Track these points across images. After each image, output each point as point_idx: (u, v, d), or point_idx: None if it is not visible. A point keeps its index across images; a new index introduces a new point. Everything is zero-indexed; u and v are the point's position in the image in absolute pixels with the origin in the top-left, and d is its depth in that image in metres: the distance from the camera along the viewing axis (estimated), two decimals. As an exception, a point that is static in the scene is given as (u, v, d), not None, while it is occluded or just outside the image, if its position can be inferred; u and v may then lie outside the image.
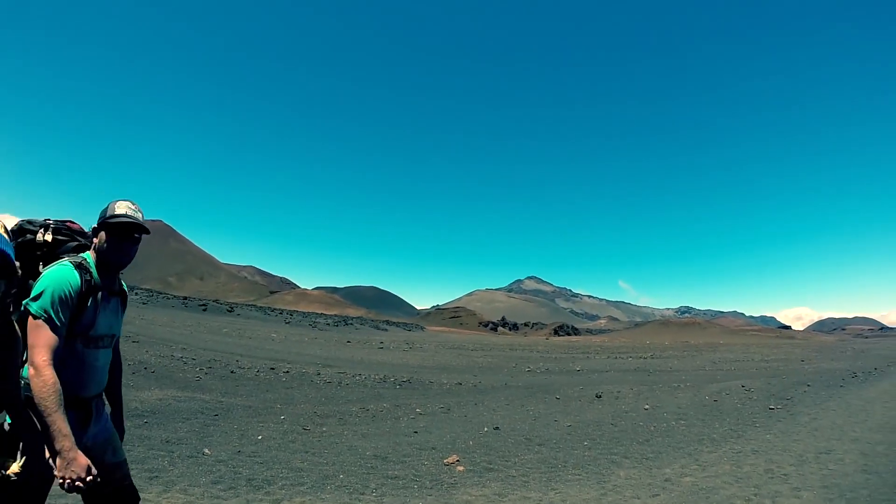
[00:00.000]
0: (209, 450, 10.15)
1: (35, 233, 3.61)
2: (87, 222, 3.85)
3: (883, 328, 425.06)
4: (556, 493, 8.76)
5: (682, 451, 12.05)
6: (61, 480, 2.91)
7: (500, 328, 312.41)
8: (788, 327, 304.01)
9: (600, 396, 20.29)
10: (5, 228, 3.11)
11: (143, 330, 40.33)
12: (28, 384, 3.03)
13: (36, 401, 2.94)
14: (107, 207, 3.70)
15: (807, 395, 21.78)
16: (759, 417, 16.50)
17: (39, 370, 3.01)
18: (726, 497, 8.64)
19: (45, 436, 2.91)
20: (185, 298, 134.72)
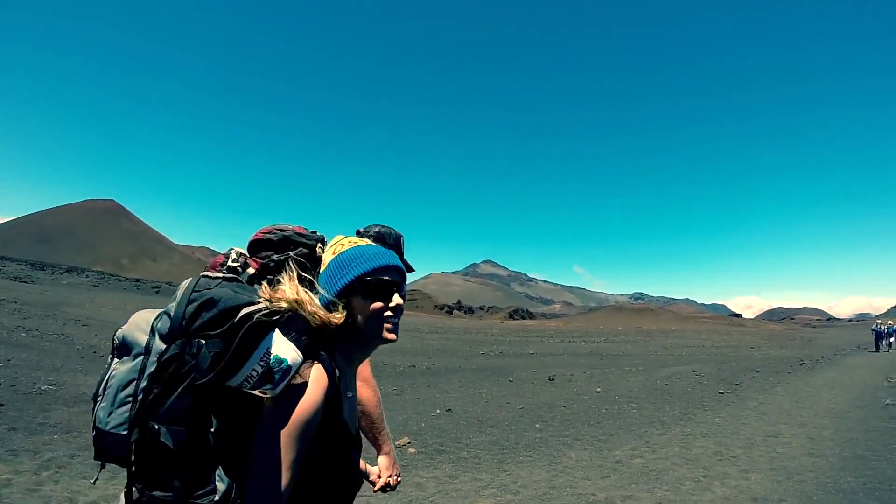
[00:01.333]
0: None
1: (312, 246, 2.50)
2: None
3: (830, 318, 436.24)
4: (507, 475, 8.73)
5: (632, 433, 12.15)
6: None
7: (455, 311, 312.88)
8: (739, 315, 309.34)
9: (553, 379, 20.42)
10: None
11: (93, 313, 39.65)
12: None
13: None
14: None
15: (755, 380, 22.22)
16: (709, 402, 16.76)
17: None
18: (676, 478, 8.70)
19: None
20: (138, 281, 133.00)
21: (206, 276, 2.17)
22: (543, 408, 15.16)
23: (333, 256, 2.33)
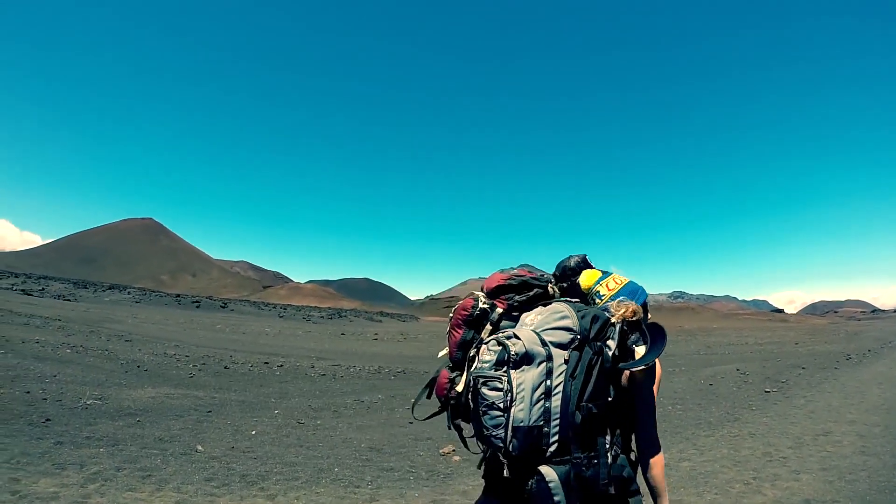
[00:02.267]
0: (202, 446, 10.07)
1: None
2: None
3: (875, 311, 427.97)
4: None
5: (679, 435, 12.03)
6: None
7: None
8: (781, 311, 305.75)
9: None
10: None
11: (135, 329, 40.28)
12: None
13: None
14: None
15: (802, 377, 21.83)
16: (756, 401, 16.51)
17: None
18: (725, 481, 8.60)
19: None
20: (178, 296, 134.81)
21: (567, 301, 3.29)
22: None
23: (620, 285, 3.55)
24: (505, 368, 2.79)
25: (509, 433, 2.71)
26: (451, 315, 3.61)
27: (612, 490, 2.84)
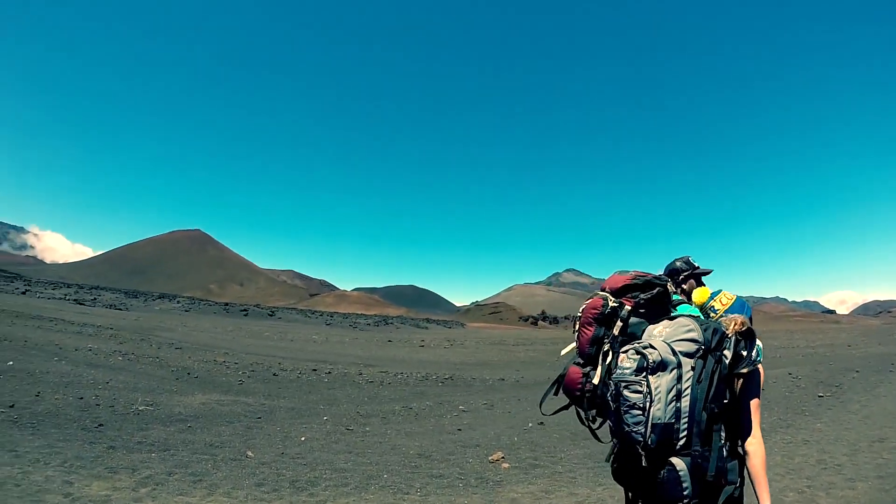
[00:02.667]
0: (252, 452, 10.22)
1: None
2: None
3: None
4: (604, 489, 8.65)
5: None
6: None
7: (540, 322, 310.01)
8: (833, 312, 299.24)
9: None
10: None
11: (185, 337, 40.92)
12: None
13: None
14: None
15: (856, 381, 21.28)
16: (809, 406, 16.15)
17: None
18: (779, 489, 8.46)
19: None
20: (226, 305, 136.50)
21: (691, 316, 3.78)
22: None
23: (731, 301, 4.29)
24: (644, 374, 3.40)
25: (648, 429, 3.32)
26: (577, 315, 4.11)
27: (720, 480, 3.44)
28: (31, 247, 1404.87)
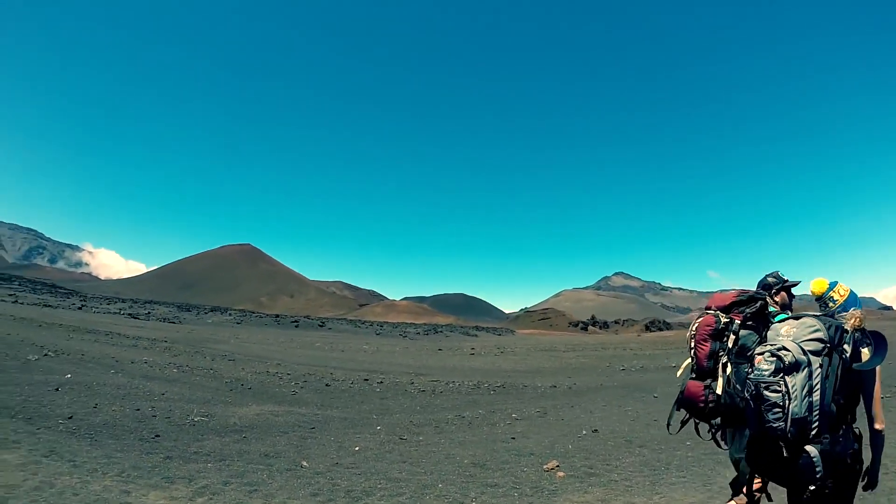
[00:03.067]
0: (307, 462, 10.24)
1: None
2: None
3: None
4: (661, 497, 8.43)
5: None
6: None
7: (590, 327, 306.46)
8: (890, 308, 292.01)
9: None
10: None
11: (237, 348, 41.46)
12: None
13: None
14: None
15: None
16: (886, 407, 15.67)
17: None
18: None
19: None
20: (278, 316, 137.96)
21: (815, 315, 4.27)
22: (692, 424, 14.46)
23: (847, 293, 4.91)
24: (781, 375, 3.97)
25: (788, 424, 3.91)
26: (692, 332, 4.91)
27: (846, 460, 4.16)
28: (86, 264, 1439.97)
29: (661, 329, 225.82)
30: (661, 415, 16.12)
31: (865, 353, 4.17)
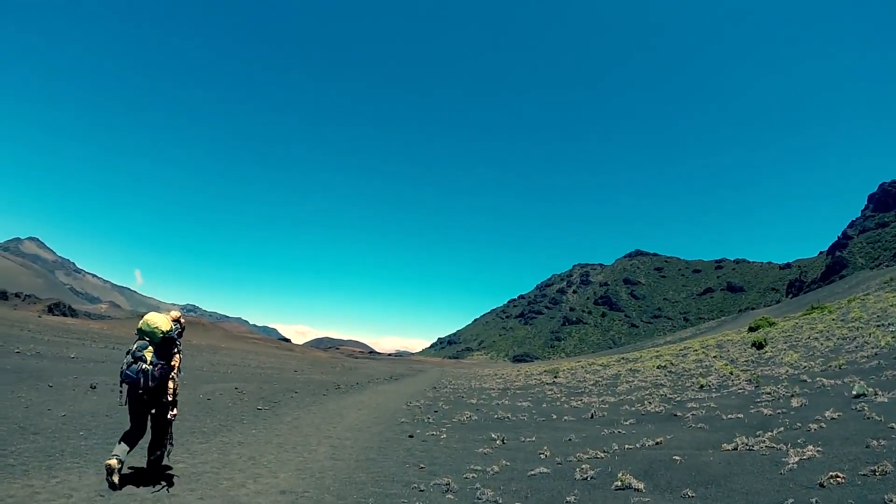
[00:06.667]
0: None
1: None
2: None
3: (372, 352, 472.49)
4: (59, 481, 8.98)
5: (175, 441, 12.94)
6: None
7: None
8: (289, 340, 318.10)
9: (95, 387, 19.78)
10: None
11: None
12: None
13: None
14: None
15: (293, 399, 24.56)
16: (248, 416, 18.59)
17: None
18: (214, 479, 10.09)
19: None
20: None
21: None
22: (87, 416, 15.09)
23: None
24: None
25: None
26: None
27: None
28: None
29: (64, 314, 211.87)
30: (55, 405, 16.13)
31: None
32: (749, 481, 8.98)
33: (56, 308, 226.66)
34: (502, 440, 15.43)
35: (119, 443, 8.89)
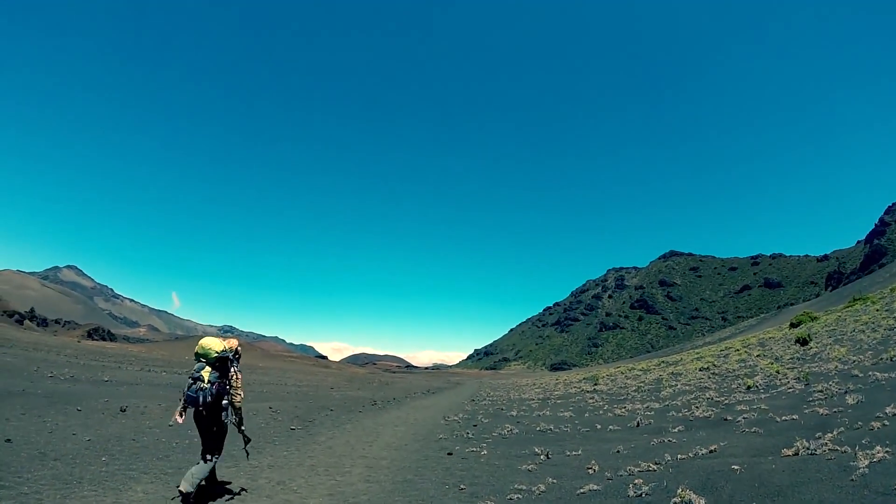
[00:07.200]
0: None
1: None
2: None
3: (409, 366, 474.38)
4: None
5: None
6: None
7: (26, 321, 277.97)
8: (325, 357, 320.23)
9: (125, 410, 19.66)
10: None
11: None
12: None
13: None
14: None
15: (328, 418, 23.97)
16: (280, 436, 18.12)
17: None
18: None
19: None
20: None
21: None
22: (112, 440, 14.73)
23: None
24: None
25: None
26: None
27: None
28: None
29: (103, 339, 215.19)
30: (82, 428, 15.86)
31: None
32: (819, 491, 7.91)
33: (95, 333, 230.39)
34: (546, 455, 14.47)
35: (196, 464, 9.73)
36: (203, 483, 9.87)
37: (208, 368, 9.71)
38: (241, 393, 10.21)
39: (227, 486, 10.75)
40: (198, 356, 9.86)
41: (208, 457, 9.75)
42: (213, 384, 9.58)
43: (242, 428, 10.39)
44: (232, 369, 10.07)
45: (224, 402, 9.81)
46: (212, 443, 9.84)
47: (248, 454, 12.01)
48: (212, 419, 9.77)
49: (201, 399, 9.42)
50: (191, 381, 9.61)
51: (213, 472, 10.17)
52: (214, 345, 9.87)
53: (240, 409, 10.16)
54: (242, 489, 10.69)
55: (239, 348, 10.69)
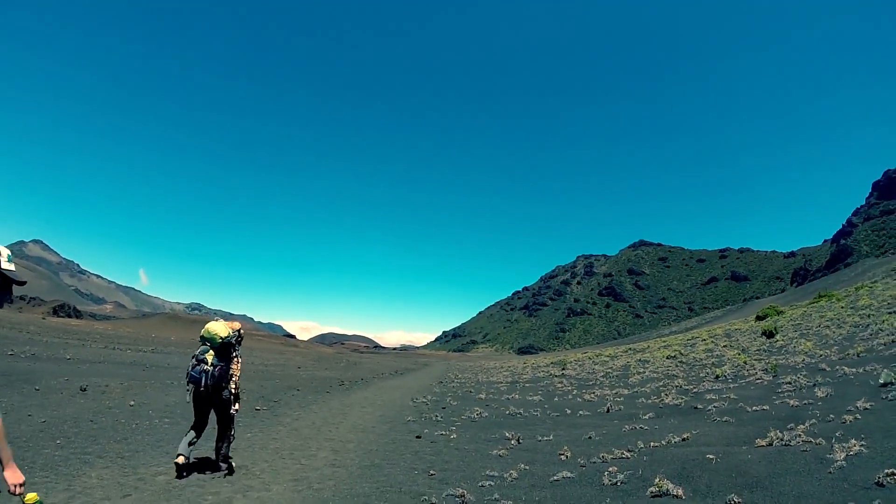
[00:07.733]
0: None
1: None
2: None
3: (377, 346, 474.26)
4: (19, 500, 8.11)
5: (161, 449, 12.03)
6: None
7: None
8: (293, 336, 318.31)
9: (85, 390, 18.98)
10: None
11: None
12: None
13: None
14: None
15: (294, 398, 23.56)
16: (244, 418, 17.32)
17: None
18: (198, 494, 8.94)
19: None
20: None
21: None
22: (68, 421, 14.11)
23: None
24: None
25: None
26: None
27: None
28: None
29: (69, 315, 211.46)
30: (38, 409, 15.26)
31: None
32: (797, 482, 7.78)
33: (61, 310, 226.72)
34: (517, 440, 14.15)
35: (184, 435, 10.34)
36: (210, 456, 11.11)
37: (212, 352, 10.26)
38: (237, 377, 10.60)
39: (230, 461, 10.84)
40: (203, 339, 10.39)
41: (222, 444, 10.58)
42: (215, 367, 10.13)
43: (236, 407, 10.65)
44: (234, 354, 10.59)
45: (224, 384, 10.28)
46: (222, 428, 10.61)
47: (231, 441, 11.78)
48: (211, 400, 10.30)
49: (204, 380, 10.00)
50: (194, 362, 10.20)
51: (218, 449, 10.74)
52: (220, 330, 10.38)
53: (237, 391, 10.60)
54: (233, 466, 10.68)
55: (241, 330, 11.10)
